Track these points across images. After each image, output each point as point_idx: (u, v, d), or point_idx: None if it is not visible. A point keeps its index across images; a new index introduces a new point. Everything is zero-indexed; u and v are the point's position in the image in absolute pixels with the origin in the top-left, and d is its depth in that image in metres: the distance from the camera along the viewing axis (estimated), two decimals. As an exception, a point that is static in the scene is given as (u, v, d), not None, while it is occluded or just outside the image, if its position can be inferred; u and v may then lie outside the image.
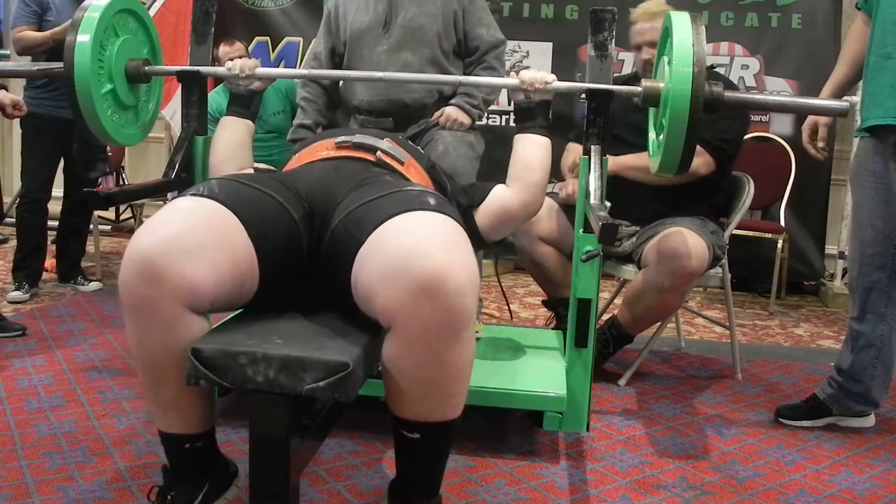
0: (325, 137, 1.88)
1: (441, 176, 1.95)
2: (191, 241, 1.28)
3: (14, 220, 3.64)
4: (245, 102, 2.07)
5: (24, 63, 3.22)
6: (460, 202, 1.94)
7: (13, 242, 4.10)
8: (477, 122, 2.63)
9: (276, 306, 1.47)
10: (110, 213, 5.13)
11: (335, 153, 1.75)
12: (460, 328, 1.27)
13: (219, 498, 1.52)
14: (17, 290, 3.43)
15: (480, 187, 1.98)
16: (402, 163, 1.77)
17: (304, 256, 1.48)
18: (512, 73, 2.03)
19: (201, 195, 1.38)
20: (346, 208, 1.45)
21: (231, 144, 2.03)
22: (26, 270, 3.48)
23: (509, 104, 2.13)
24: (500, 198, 1.93)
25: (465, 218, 1.87)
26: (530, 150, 1.97)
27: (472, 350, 1.33)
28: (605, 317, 2.88)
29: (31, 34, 3.28)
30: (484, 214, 1.92)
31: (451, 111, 2.51)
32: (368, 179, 1.58)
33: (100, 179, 3.59)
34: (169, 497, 1.48)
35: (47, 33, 3.25)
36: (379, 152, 1.74)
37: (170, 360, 1.32)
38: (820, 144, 2.32)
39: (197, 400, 1.42)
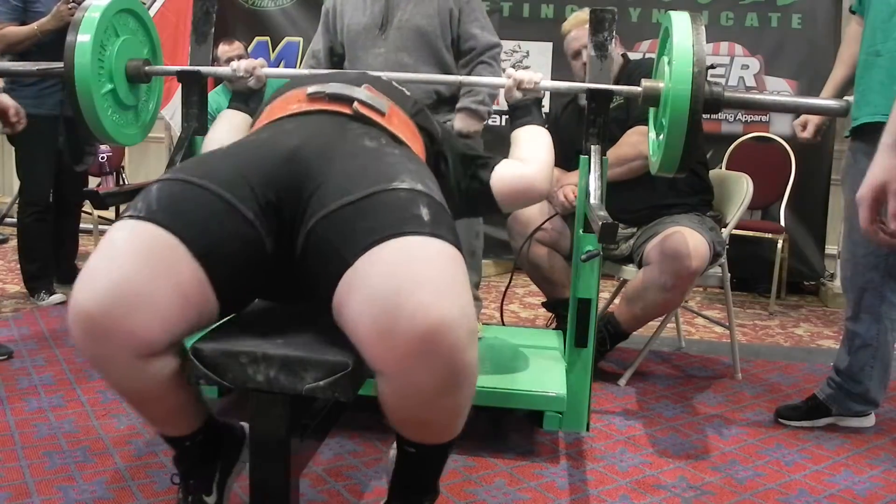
0: (297, 85, 1.68)
1: (430, 121, 1.75)
2: (131, 291, 1.17)
3: (17, 222, 3.54)
4: (244, 99, 2.07)
5: (24, 63, 3.18)
6: (469, 168, 1.81)
7: (13, 242, 4.11)
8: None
9: (254, 307, 1.42)
10: (110, 213, 5.14)
11: (307, 107, 1.56)
12: (459, 382, 1.16)
13: (233, 468, 1.54)
14: (40, 300, 3.37)
15: (486, 159, 1.83)
16: (382, 114, 1.57)
17: (268, 256, 1.32)
18: (509, 71, 2.02)
19: (138, 217, 1.25)
20: (324, 203, 1.28)
21: (229, 133, 1.95)
22: (45, 280, 3.41)
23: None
24: (515, 166, 1.83)
25: (481, 191, 1.77)
26: (533, 134, 1.93)
27: (472, 390, 1.22)
28: (605, 317, 2.88)
29: (14, 29, 3.13)
30: (500, 182, 1.79)
31: (459, 126, 2.47)
32: (344, 149, 1.40)
33: (100, 179, 3.54)
34: (190, 483, 1.50)
35: (33, 25, 3.11)
36: (356, 104, 1.54)
37: (144, 394, 1.29)
38: (807, 136, 2.34)
39: (186, 406, 1.38)
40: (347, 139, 1.44)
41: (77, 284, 1.19)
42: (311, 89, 1.59)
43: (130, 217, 1.25)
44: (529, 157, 1.87)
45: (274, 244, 1.32)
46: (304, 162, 1.35)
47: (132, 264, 1.19)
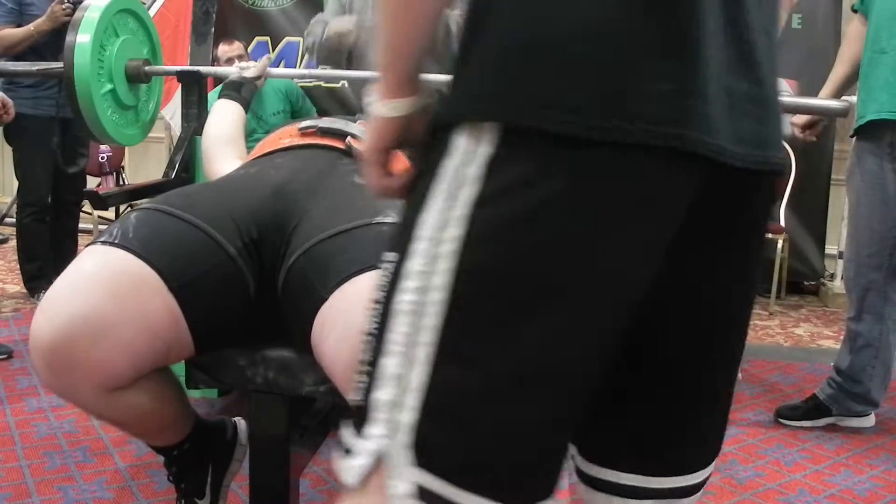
0: (289, 123, 1.64)
1: None
2: (95, 322, 1.09)
3: (15, 223, 3.54)
4: (236, 87, 2.01)
5: (24, 63, 3.18)
6: None
7: (13, 242, 4.11)
8: None
9: (233, 343, 1.28)
10: (110, 213, 5.14)
11: (299, 141, 1.52)
12: None
13: (227, 470, 1.50)
14: (39, 300, 3.36)
15: None
16: None
17: (250, 294, 1.24)
18: None
19: (112, 243, 1.17)
20: (304, 239, 1.21)
21: (223, 126, 1.93)
22: (44, 280, 3.37)
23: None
24: None
25: None
26: None
27: None
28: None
29: (11, 31, 3.13)
30: None
31: None
32: (332, 185, 1.33)
33: (100, 179, 3.53)
34: (182, 486, 1.47)
35: (30, 27, 3.11)
36: (349, 138, 1.50)
37: (119, 420, 1.25)
38: (796, 128, 2.31)
39: (168, 422, 1.33)
40: (337, 174, 1.37)
41: (38, 311, 1.13)
42: (303, 123, 1.56)
43: (103, 243, 1.18)
44: None
45: (256, 284, 1.24)
46: (290, 197, 1.28)
47: (98, 293, 1.11)
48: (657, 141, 0.61)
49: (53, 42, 2.91)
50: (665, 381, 0.77)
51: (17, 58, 3.10)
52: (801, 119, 2.31)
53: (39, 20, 3.12)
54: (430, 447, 0.65)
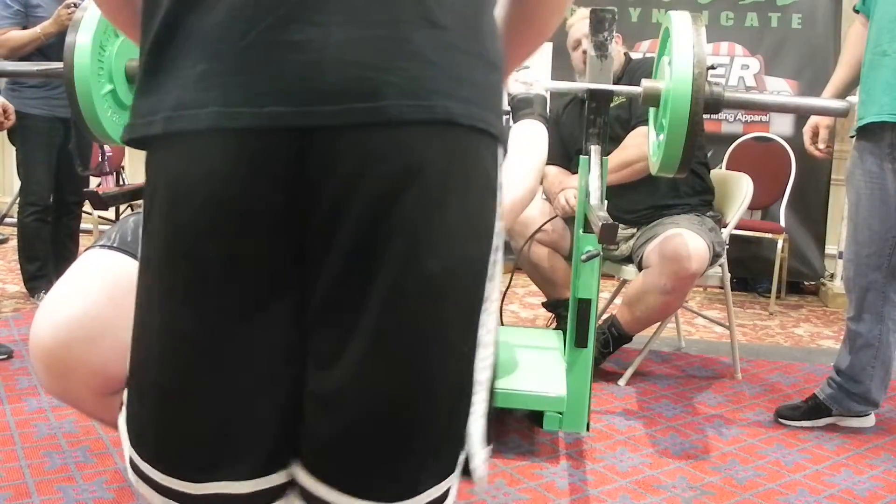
0: None
1: None
2: (93, 325, 1.12)
3: (16, 222, 3.54)
4: None
5: (24, 63, 3.17)
6: None
7: (13, 242, 4.11)
8: None
9: None
10: (110, 213, 5.14)
11: None
12: None
13: None
14: (40, 300, 3.35)
15: None
16: None
17: None
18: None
19: (111, 247, 1.21)
20: None
21: None
22: (44, 280, 3.38)
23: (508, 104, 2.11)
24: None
25: None
26: (525, 135, 1.91)
27: None
28: (604, 316, 2.88)
29: (18, 33, 3.14)
30: None
31: None
32: None
33: (100, 180, 3.53)
34: None
35: (36, 29, 3.11)
36: None
37: (114, 422, 1.22)
38: (822, 146, 2.33)
39: None
40: None
41: (37, 315, 1.14)
42: None
43: (102, 247, 1.20)
44: (510, 177, 1.75)
45: None
46: None
47: (96, 296, 1.13)
48: (181, 125, 0.67)
49: (59, 44, 2.91)
50: (328, 393, 0.73)
51: (23, 58, 3.10)
52: (810, 130, 2.33)
53: (46, 23, 3.11)
54: (129, 421, 0.75)
